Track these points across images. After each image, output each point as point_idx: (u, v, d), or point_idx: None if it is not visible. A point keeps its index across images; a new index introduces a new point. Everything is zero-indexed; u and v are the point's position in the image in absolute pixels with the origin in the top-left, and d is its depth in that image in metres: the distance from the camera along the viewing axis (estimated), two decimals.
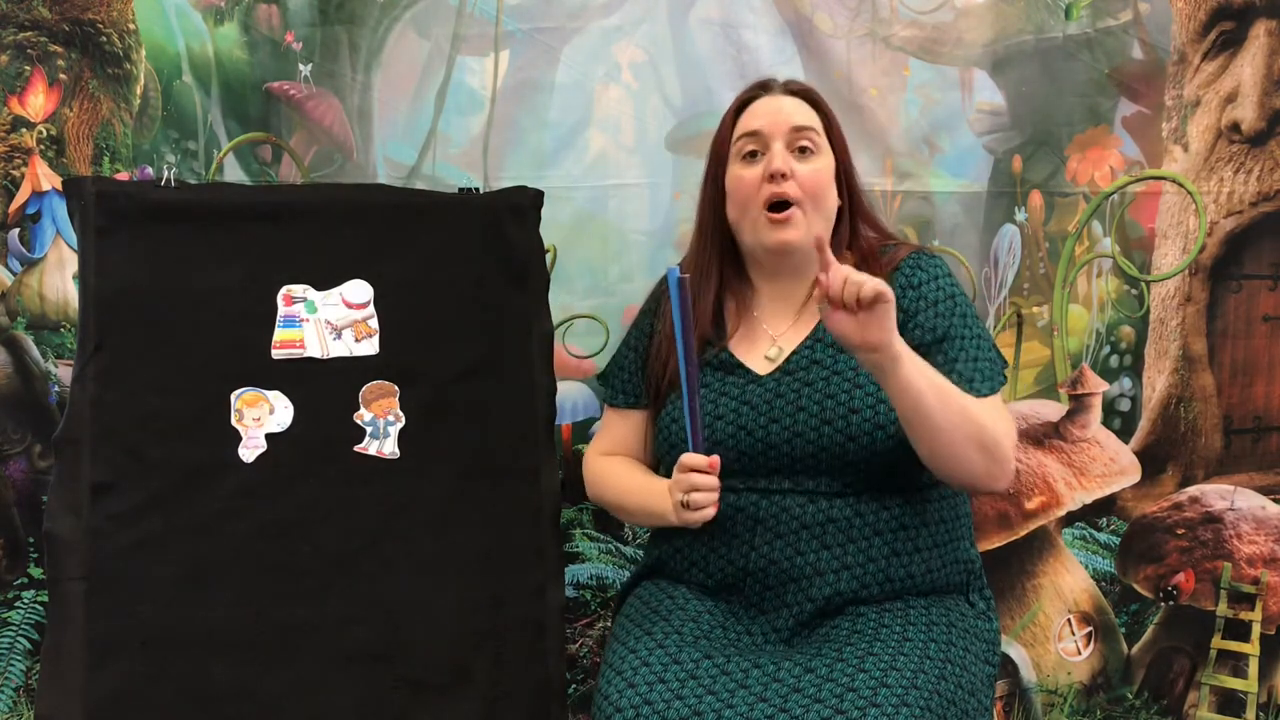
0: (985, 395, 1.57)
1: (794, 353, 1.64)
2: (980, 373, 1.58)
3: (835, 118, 1.68)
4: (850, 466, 1.56)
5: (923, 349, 1.56)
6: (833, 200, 1.64)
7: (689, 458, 1.53)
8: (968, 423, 1.48)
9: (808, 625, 1.56)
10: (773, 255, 1.64)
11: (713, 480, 1.52)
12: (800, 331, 1.66)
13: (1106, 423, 2.15)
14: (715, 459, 1.53)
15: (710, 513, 1.53)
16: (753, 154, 1.63)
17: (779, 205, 1.60)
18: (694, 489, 1.52)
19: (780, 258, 1.64)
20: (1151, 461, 2.16)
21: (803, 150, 1.62)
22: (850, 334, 1.40)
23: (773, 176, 1.58)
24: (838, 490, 1.57)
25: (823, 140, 1.64)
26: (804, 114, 1.64)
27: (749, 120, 1.65)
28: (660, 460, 1.74)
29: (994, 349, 1.64)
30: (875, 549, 1.57)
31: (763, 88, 1.68)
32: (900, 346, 1.43)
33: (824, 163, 1.63)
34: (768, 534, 1.58)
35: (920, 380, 1.45)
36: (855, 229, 1.68)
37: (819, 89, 1.72)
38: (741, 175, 1.63)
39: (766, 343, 1.67)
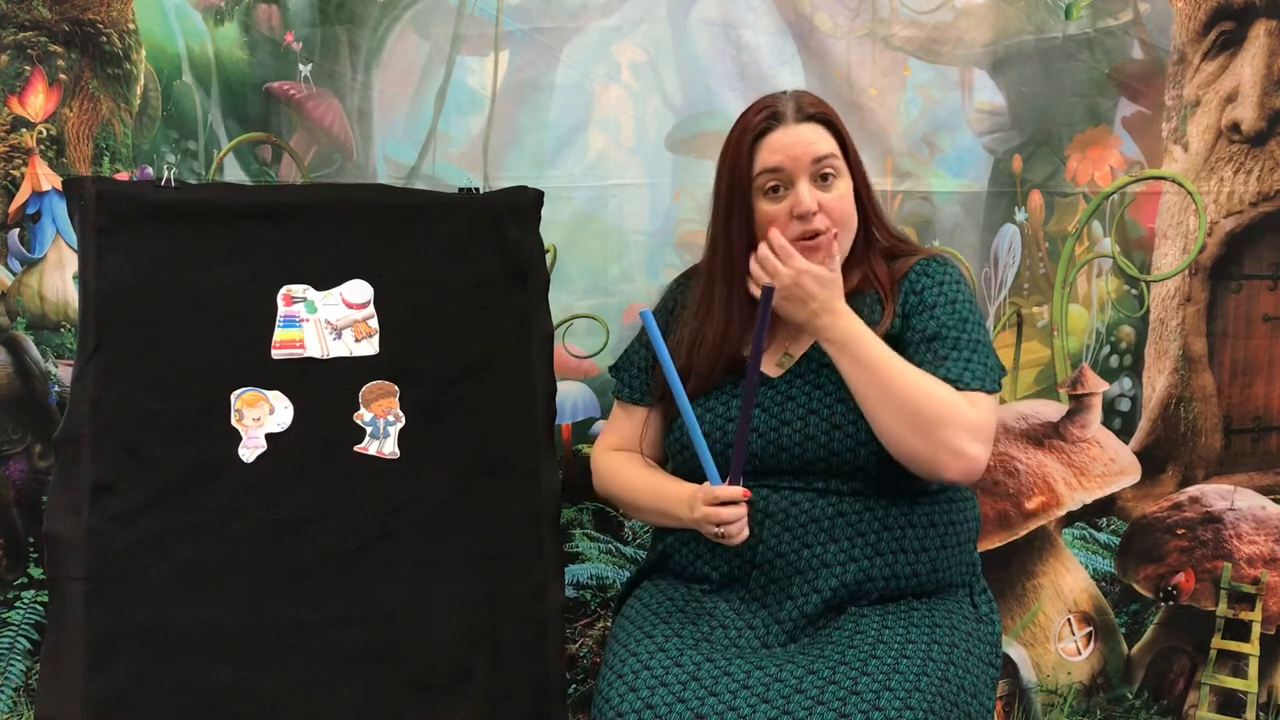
0: (970, 390, 1.54)
1: (805, 355, 1.65)
2: (971, 372, 1.56)
3: (848, 132, 1.67)
4: (860, 471, 1.57)
5: (913, 346, 1.58)
6: (856, 217, 1.66)
7: (711, 491, 1.54)
8: (903, 406, 1.51)
9: (811, 621, 1.56)
10: None
11: (737, 511, 1.53)
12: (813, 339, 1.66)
13: (1106, 423, 2.15)
14: (747, 492, 1.53)
15: (745, 534, 1.55)
16: (775, 188, 1.62)
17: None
18: (722, 522, 1.53)
19: None
20: (1151, 461, 2.16)
21: (825, 178, 1.62)
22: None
23: (802, 216, 1.59)
24: (847, 490, 1.58)
25: (842, 163, 1.64)
26: (824, 142, 1.62)
27: (768, 156, 1.61)
28: (671, 459, 1.75)
29: (991, 354, 1.61)
30: (883, 544, 1.57)
31: (775, 118, 1.62)
32: (837, 327, 1.54)
33: (845, 185, 1.64)
34: (776, 527, 1.58)
35: (852, 366, 1.54)
36: (870, 236, 1.70)
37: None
38: (767, 211, 1.62)
39: (780, 351, 1.68)
